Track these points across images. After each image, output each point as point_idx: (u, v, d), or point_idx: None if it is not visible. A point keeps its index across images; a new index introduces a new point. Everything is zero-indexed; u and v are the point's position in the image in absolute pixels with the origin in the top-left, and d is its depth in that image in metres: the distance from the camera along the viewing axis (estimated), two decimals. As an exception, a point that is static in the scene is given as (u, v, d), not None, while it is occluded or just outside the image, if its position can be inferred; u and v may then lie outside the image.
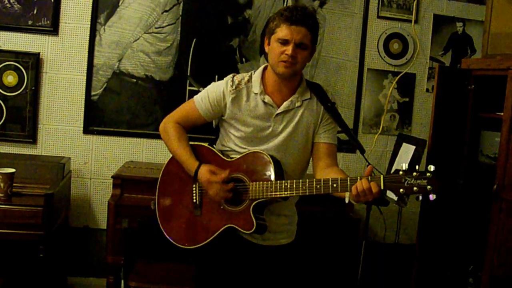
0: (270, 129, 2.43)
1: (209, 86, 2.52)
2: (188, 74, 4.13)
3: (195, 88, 4.04)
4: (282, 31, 2.31)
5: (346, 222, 3.78)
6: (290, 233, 2.59)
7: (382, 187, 2.12)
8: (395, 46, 4.39)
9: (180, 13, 4.10)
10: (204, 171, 2.39)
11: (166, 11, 4.08)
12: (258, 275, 2.52)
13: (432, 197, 2.06)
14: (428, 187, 2.06)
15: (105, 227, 3.68)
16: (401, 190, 2.09)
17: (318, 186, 2.23)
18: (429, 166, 2.08)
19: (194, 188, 2.49)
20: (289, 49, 2.30)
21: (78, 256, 4.13)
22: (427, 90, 4.45)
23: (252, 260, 2.50)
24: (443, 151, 3.75)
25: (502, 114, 3.42)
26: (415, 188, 2.07)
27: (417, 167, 2.10)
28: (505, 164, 3.37)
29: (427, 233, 3.84)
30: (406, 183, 2.08)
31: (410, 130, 4.45)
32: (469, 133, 3.79)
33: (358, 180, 2.13)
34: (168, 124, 2.55)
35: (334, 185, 2.19)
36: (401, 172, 2.10)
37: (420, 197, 2.10)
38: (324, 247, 3.74)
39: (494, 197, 3.40)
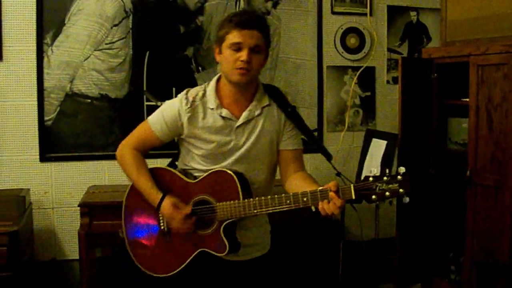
0: (232, 143, 2.33)
1: (163, 106, 2.39)
2: (144, 89, 4.00)
3: (153, 103, 3.94)
4: (234, 37, 2.20)
5: (321, 225, 3.73)
6: (264, 245, 2.50)
7: (353, 197, 2.04)
8: (352, 40, 4.37)
9: (130, 26, 3.96)
10: (167, 205, 2.29)
11: (115, 25, 3.92)
12: None
13: (405, 200, 2.00)
14: (401, 190, 1.99)
15: (74, 258, 3.58)
16: (373, 197, 2.02)
17: (288, 201, 2.15)
18: (400, 168, 2.02)
19: (160, 215, 2.38)
20: (243, 54, 2.19)
21: (47, 291, 3.94)
22: (388, 82, 4.47)
23: (227, 277, 2.41)
24: (413, 143, 3.76)
25: (467, 100, 3.45)
26: (387, 193, 2.00)
27: (387, 170, 2.04)
28: (475, 149, 3.42)
29: (406, 225, 3.85)
30: (377, 189, 2.02)
31: (375, 123, 4.45)
32: (436, 121, 3.83)
33: (328, 191, 2.04)
34: (125, 151, 2.42)
35: (304, 199, 2.11)
36: (371, 179, 2.02)
37: (394, 202, 2.07)
38: (301, 252, 3.71)
39: (468, 183, 3.44)
